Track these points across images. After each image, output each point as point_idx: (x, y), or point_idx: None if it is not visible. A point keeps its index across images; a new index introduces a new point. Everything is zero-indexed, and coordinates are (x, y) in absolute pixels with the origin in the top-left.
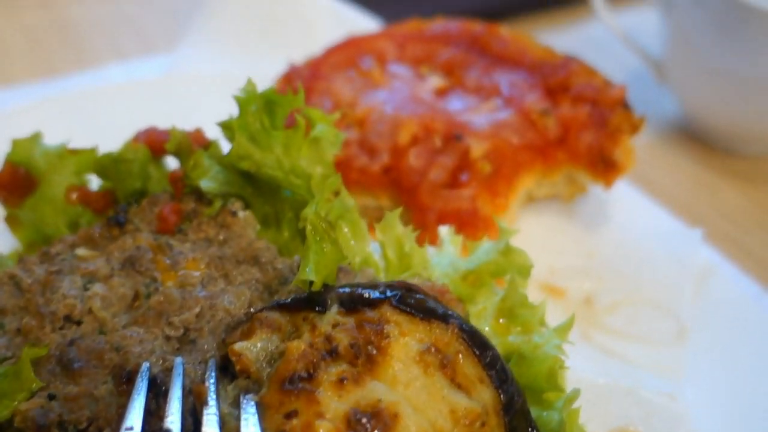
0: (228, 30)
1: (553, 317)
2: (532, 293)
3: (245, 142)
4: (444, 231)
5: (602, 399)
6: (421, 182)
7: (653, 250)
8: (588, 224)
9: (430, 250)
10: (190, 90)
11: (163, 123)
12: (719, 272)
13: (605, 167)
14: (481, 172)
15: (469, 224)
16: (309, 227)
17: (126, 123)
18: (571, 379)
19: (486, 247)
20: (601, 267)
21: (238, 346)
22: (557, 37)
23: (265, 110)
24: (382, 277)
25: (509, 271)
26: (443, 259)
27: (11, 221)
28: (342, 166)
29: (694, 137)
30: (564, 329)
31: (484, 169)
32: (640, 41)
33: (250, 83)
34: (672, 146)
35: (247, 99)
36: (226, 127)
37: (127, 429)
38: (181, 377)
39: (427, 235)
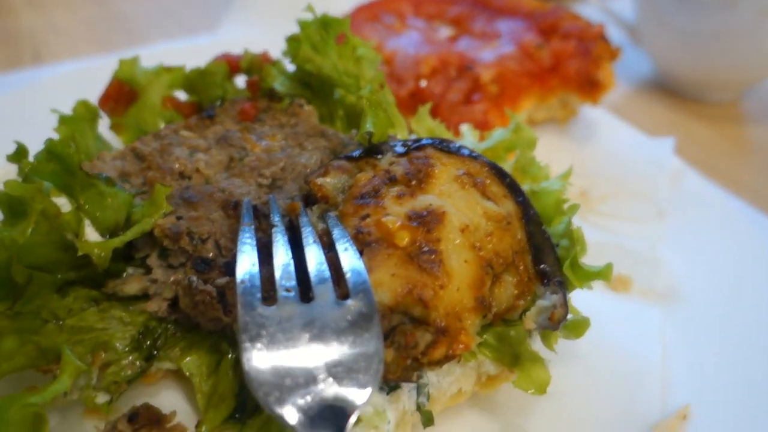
0: (260, 8)
1: None
2: None
3: (308, 50)
4: (465, 126)
5: (597, 253)
6: (441, 102)
7: (634, 156)
8: (580, 141)
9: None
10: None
11: None
12: (690, 174)
13: (591, 88)
14: (490, 93)
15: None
16: (365, 100)
17: None
18: None
19: (499, 131)
20: (592, 170)
21: (319, 180)
22: None
23: (322, 28)
24: None
25: (519, 145)
26: (466, 143)
27: (116, 128)
28: None
29: (668, 90)
30: (565, 176)
31: (493, 90)
32: (617, 10)
33: (310, 7)
34: (649, 98)
35: (308, 20)
36: (293, 39)
37: (245, 224)
38: (276, 204)
39: None
